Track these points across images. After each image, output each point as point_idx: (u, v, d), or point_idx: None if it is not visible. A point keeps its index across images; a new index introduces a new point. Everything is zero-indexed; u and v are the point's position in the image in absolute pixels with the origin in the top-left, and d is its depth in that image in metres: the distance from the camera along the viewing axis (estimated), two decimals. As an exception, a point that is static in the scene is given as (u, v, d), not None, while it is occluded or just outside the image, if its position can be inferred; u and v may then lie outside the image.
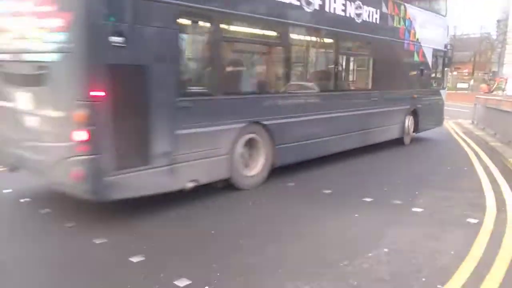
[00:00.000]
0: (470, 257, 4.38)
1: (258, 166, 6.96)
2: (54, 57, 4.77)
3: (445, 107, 14.26)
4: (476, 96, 21.12)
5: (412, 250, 4.55)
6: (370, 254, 4.39)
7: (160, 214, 5.52)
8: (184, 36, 5.98)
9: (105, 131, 4.67)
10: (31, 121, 5.20)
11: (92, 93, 4.55)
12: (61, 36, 4.65)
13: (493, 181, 7.78)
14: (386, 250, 4.51)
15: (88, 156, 4.63)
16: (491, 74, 74.55)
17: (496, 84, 44.93)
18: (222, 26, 6.27)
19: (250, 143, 6.77)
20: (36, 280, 3.90)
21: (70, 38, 4.59)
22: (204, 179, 6.01)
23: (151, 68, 5.08)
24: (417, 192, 6.83)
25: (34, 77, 4.99)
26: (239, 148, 6.56)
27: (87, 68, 4.63)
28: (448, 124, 18.14)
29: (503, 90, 40.61)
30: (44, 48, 4.88)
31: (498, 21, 72.09)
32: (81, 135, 4.57)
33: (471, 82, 54.80)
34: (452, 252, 4.49)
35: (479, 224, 5.40)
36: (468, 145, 12.26)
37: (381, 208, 6.07)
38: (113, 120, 4.71)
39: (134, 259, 4.18)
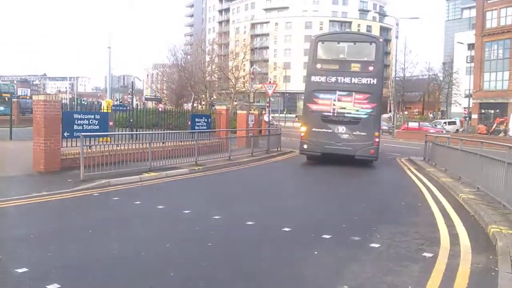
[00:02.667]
0: (427, 291, 4.45)
1: None
2: (364, 116, 15.38)
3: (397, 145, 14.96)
4: (426, 134, 21.96)
5: (371, 286, 4.58)
6: (330, 291, 4.38)
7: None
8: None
9: (377, 142, 15.45)
10: (345, 136, 15.46)
11: (376, 130, 15.73)
12: (367, 109, 15.38)
13: (446, 215, 8.04)
14: (346, 287, 4.52)
15: (375, 146, 15.29)
16: (439, 113, 78.11)
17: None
18: None
19: None
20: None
21: (371, 109, 15.37)
22: None
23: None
24: (374, 228, 6.94)
25: (354, 122, 15.46)
26: None
27: (377, 122, 15.92)
28: (401, 161, 18.72)
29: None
30: (359, 112, 15.43)
31: (444, 63, 76.33)
32: (375, 140, 15.37)
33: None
34: (409, 287, 4.55)
35: (434, 257, 5.53)
36: (421, 181, 12.66)
37: (340, 245, 6.11)
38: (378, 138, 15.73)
39: None
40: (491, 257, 5.60)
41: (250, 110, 23.39)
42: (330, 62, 15.87)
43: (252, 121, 21.56)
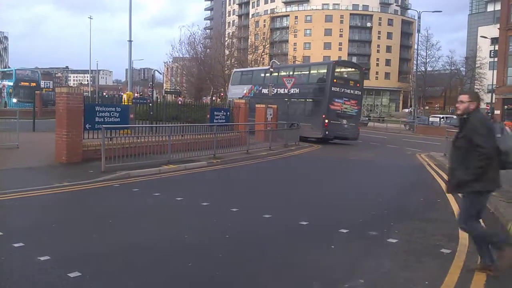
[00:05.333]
0: (444, 287, 4.43)
1: None
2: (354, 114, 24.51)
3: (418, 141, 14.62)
4: (447, 129, 21.67)
5: (387, 281, 4.58)
6: (346, 285, 4.39)
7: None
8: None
9: (359, 129, 25.74)
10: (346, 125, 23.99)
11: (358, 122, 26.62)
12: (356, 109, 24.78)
13: (465, 212, 7.93)
14: (362, 281, 4.52)
15: (358, 131, 25.20)
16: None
17: None
18: None
19: None
20: None
21: (358, 109, 25.01)
22: None
23: None
24: (392, 223, 6.91)
25: (351, 116, 24.07)
26: None
27: (359, 117, 27.11)
28: (421, 157, 18.53)
29: None
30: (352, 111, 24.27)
31: (466, 58, 74.99)
32: (358, 128, 25.35)
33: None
34: (426, 283, 4.54)
35: (452, 254, 5.49)
36: (441, 177, 12.52)
37: (357, 239, 6.11)
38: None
39: None
40: (510, 254, 5.53)
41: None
42: (340, 79, 24.43)
43: (270, 114, 21.56)
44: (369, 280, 4.57)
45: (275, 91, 24.92)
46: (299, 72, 27.49)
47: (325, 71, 24.69)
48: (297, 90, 24.80)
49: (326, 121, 22.78)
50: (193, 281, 4.48)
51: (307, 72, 27.04)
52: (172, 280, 4.45)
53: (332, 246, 5.69)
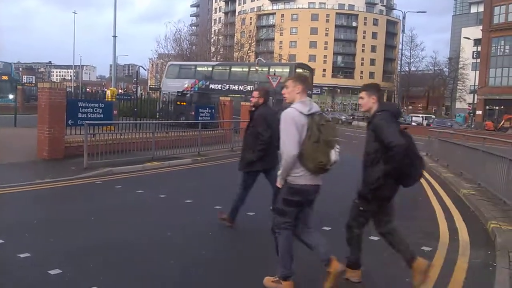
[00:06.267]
0: (425, 284, 4.49)
1: None
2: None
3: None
4: (429, 129, 21.94)
5: (370, 278, 4.63)
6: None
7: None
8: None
9: None
10: None
11: None
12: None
13: (446, 210, 8.08)
14: (345, 278, 4.56)
15: None
16: (444, 109, 77.82)
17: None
18: None
19: None
20: None
21: None
22: None
23: None
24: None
25: None
26: None
27: None
28: (404, 155, 18.70)
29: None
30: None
31: (450, 58, 76.00)
32: None
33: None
34: (407, 280, 4.59)
35: (433, 251, 5.58)
36: (423, 176, 12.66)
37: (341, 237, 6.14)
38: None
39: None
40: (489, 252, 5.65)
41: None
42: None
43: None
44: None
45: (227, 87, 25.69)
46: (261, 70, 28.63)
47: (288, 71, 27.37)
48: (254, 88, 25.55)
49: None
50: (175, 279, 4.46)
51: (267, 71, 28.20)
52: (153, 277, 4.43)
53: (315, 244, 5.70)
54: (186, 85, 29.23)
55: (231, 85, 26.59)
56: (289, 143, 3.88)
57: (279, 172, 4.09)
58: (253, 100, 6.21)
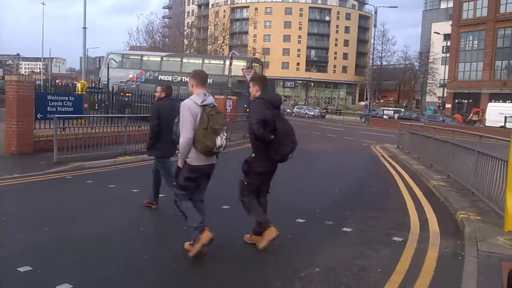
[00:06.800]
0: (396, 273, 4.59)
1: None
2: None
3: (373, 133, 15.07)
4: (400, 122, 22.31)
5: (342, 269, 4.68)
6: (302, 274, 4.47)
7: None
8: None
9: None
10: None
11: None
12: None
13: (416, 202, 8.24)
14: (317, 269, 4.61)
15: None
16: (414, 102, 79.24)
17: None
18: None
19: None
20: None
21: None
22: None
23: None
24: (347, 213, 7.08)
25: None
26: None
27: None
28: (376, 148, 19.01)
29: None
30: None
31: (420, 53, 77.32)
32: None
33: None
34: (379, 270, 4.68)
35: (404, 242, 5.69)
36: (394, 167, 12.91)
37: (314, 228, 6.22)
38: None
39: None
40: (458, 242, 5.79)
41: (228, 95, 23.31)
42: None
43: (230, 106, 21.50)
44: (325, 268, 4.66)
45: (179, 79, 26.49)
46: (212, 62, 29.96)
47: (245, 64, 28.18)
48: (211, 80, 25.48)
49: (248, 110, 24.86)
50: (150, 274, 4.42)
51: (223, 64, 28.79)
52: (128, 273, 4.38)
53: (289, 236, 5.75)
54: (131, 76, 28.48)
55: (183, 77, 25.89)
56: (185, 128, 4.59)
57: (180, 154, 4.74)
58: (157, 94, 6.92)
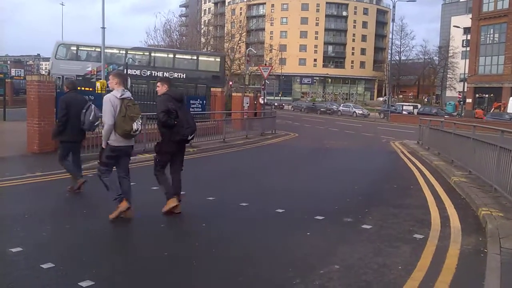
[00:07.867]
0: (417, 271, 4.54)
1: None
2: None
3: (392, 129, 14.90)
4: (420, 117, 22.02)
5: (362, 266, 4.65)
6: (321, 272, 4.44)
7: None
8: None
9: None
10: None
11: None
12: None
13: (437, 198, 8.13)
14: (337, 267, 4.59)
15: None
16: (434, 97, 78.15)
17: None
18: None
19: None
20: None
21: None
22: None
23: None
24: (366, 210, 7.02)
25: None
26: None
27: None
28: (395, 144, 18.82)
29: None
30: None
31: (440, 47, 76.18)
32: None
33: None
34: (399, 267, 4.63)
35: (425, 239, 5.61)
36: (414, 164, 12.75)
37: (333, 226, 6.19)
38: None
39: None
40: (480, 239, 5.70)
41: (245, 92, 23.36)
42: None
43: (247, 103, 21.53)
44: (344, 265, 4.64)
45: (148, 73, 26.39)
46: (184, 57, 30.56)
47: (219, 60, 29.79)
48: (183, 75, 26.90)
49: None
50: (169, 271, 4.46)
51: (196, 59, 29.49)
52: (149, 270, 4.43)
53: (308, 233, 5.74)
54: (89, 69, 26.52)
55: (153, 72, 25.32)
56: (107, 116, 5.71)
57: (103, 137, 5.87)
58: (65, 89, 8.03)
